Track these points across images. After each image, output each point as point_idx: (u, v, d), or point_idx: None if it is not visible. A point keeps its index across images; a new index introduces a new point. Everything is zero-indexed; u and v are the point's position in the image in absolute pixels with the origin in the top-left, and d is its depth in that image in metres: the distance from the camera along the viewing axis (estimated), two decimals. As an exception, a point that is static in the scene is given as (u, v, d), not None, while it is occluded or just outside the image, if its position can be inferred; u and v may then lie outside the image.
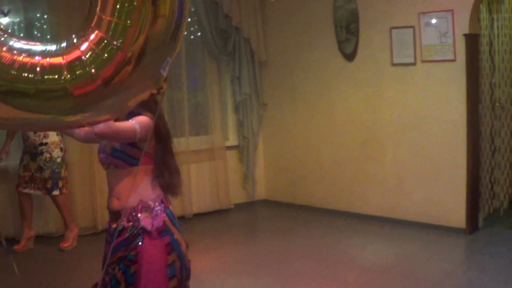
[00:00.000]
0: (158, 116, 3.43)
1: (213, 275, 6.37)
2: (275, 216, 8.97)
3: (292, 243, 7.41)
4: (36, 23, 8.03)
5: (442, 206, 7.48)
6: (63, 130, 3.84)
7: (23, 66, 2.51)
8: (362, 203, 8.30)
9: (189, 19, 8.97)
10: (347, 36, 8.20)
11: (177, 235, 3.58)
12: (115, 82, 2.60)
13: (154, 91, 2.84)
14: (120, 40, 2.59)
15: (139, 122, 3.39)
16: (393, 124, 7.85)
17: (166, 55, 2.77)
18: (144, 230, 3.47)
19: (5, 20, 7.51)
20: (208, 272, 6.45)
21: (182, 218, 8.68)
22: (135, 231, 3.48)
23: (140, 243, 3.46)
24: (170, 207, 3.60)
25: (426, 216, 7.61)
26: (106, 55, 2.58)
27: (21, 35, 7.63)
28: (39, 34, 7.93)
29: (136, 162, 3.44)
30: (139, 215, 3.49)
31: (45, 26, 8.02)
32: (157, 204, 3.54)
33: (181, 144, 8.73)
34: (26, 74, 2.50)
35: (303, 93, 8.89)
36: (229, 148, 9.30)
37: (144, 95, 2.82)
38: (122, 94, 2.70)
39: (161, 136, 3.55)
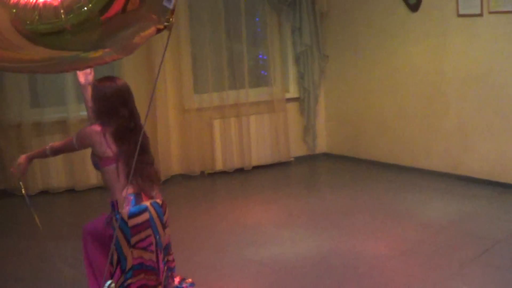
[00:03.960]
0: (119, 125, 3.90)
1: (271, 227, 6.39)
2: (335, 170, 8.89)
3: (351, 198, 7.34)
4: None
5: (508, 163, 7.25)
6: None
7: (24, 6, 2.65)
8: (425, 158, 8.13)
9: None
10: (412, -15, 7.95)
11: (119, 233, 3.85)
12: (115, 17, 2.60)
13: (161, 26, 2.73)
14: None
15: (77, 134, 4.00)
16: (458, 77, 7.61)
17: None
18: None
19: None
20: (266, 225, 6.47)
21: (241, 170, 8.70)
22: None
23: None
24: (124, 211, 3.85)
25: (491, 173, 7.40)
26: None
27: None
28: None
29: (97, 167, 4.01)
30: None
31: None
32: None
33: (240, 96, 8.69)
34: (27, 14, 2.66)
35: (365, 45, 8.69)
36: (289, 100, 9.19)
37: (150, 31, 2.75)
38: (126, 31, 2.68)
39: (123, 142, 3.91)
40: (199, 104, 8.53)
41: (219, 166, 8.66)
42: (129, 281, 3.86)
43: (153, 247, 3.89)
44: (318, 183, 8.67)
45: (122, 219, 3.82)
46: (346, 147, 9.23)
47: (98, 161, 3.96)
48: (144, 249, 3.87)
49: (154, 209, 3.92)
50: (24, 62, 2.93)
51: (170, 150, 8.42)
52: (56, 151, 4.15)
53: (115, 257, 3.85)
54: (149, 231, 3.87)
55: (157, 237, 3.91)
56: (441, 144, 7.91)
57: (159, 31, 2.76)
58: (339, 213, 6.76)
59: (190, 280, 4.40)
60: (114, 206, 3.91)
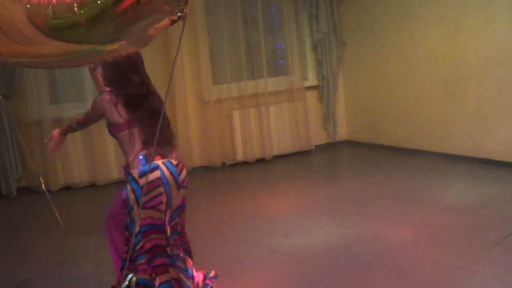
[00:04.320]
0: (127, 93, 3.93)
1: (293, 216, 6.37)
2: (357, 157, 8.87)
3: (373, 184, 7.31)
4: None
5: (529, 145, 7.20)
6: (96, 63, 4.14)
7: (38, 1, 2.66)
8: (445, 142, 8.08)
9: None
10: (428, -33, 7.88)
11: (130, 194, 3.85)
12: (130, 9, 2.59)
13: (174, 17, 2.72)
14: None
15: (91, 104, 4.03)
16: (477, 60, 7.54)
17: None
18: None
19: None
20: (288, 214, 6.45)
21: (262, 160, 8.70)
22: None
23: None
24: (135, 170, 3.86)
25: (512, 155, 7.36)
26: None
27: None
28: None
29: (112, 133, 4.02)
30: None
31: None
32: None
33: (259, 86, 8.68)
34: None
35: (382, 30, 8.64)
36: (308, 88, 9.18)
37: (164, 23, 2.75)
38: (140, 23, 2.68)
39: (136, 108, 3.94)
40: (218, 95, 8.53)
41: (240, 157, 8.67)
42: (140, 245, 3.83)
43: (162, 207, 3.84)
44: (340, 170, 8.65)
45: (134, 179, 3.82)
46: (366, 134, 9.20)
47: (112, 128, 3.99)
48: (153, 208, 3.82)
49: (167, 167, 3.88)
50: (40, 56, 2.95)
51: (191, 142, 8.44)
52: (80, 124, 4.27)
53: (128, 220, 3.85)
54: (160, 189, 3.83)
55: (169, 195, 3.87)
56: (461, 128, 7.86)
57: (173, 22, 2.76)
58: (361, 200, 6.73)
59: (214, 272, 4.38)
60: (127, 169, 3.92)
